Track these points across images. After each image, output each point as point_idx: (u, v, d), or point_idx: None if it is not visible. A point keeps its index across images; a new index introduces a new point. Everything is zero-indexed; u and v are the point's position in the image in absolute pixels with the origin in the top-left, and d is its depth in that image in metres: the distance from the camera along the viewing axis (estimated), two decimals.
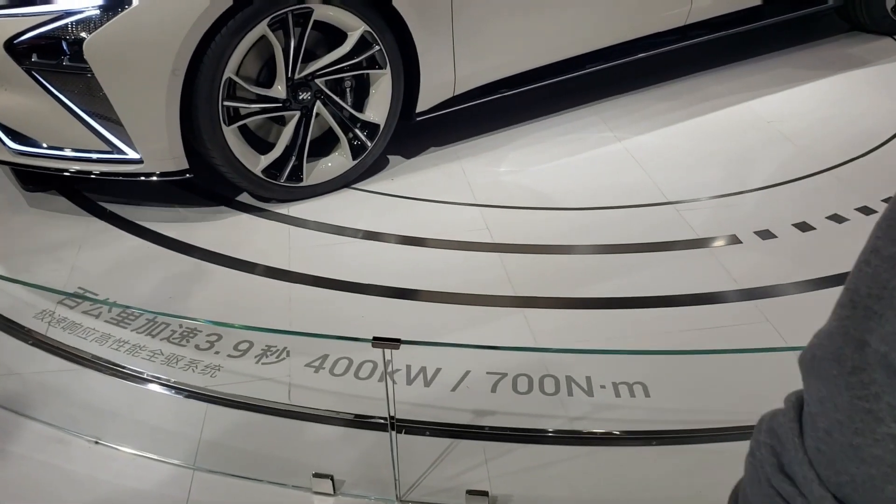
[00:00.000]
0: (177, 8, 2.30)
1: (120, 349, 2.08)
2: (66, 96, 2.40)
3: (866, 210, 2.58)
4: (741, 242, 2.46)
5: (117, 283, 2.34)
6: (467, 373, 1.96)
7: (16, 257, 2.49)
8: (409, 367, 1.98)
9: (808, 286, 2.23)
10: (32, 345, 2.11)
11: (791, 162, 2.94)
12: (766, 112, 3.29)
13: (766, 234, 2.49)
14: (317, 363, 2.01)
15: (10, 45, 2.34)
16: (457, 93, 2.95)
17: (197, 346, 2.08)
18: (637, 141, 3.09)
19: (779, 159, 2.96)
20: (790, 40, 3.89)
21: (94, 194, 2.78)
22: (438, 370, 1.97)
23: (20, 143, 2.53)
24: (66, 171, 2.54)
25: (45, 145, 2.52)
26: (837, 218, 2.56)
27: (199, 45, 2.36)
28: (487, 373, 1.95)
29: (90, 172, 2.53)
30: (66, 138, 2.48)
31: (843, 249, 2.37)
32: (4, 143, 2.54)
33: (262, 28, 2.45)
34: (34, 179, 2.79)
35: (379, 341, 1.57)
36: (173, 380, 1.97)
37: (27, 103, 2.43)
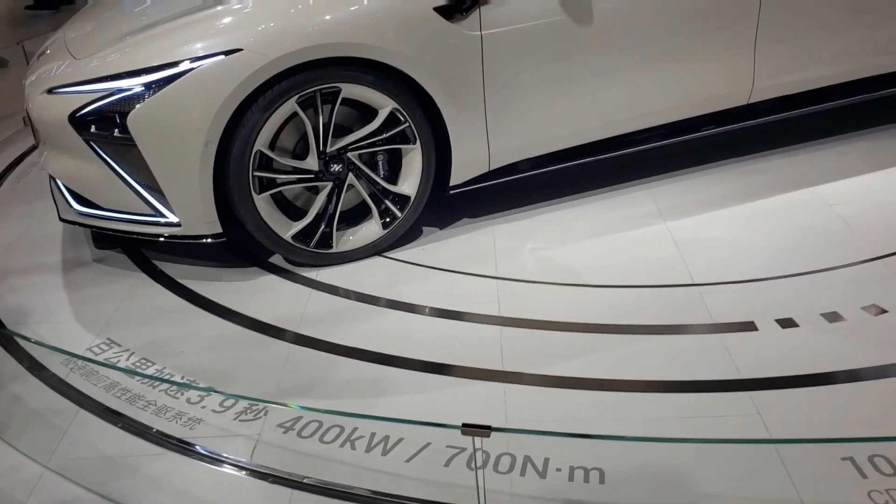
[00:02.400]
0: (211, 86, 2.52)
1: (121, 397, 2.23)
2: (116, 164, 2.66)
3: None
4: (757, 330, 2.31)
5: (141, 336, 2.53)
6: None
7: (65, 306, 2.75)
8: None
9: (812, 381, 2.06)
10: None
11: (843, 247, 2.74)
12: (831, 195, 3.09)
13: (787, 323, 2.33)
14: (288, 424, 2.08)
15: (73, 118, 2.64)
16: (492, 168, 2.99)
17: (188, 400, 2.20)
18: (683, 222, 2.98)
19: (831, 244, 2.77)
20: (878, 119, 3.66)
21: (150, 251, 3.03)
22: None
23: (83, 205, 2.82)
24: (117, 230, 2.80)
25: (102, 207, 2.79)
26: (874, 309, 2.36)
27: (231, 119, 2.56)
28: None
29: (135, 233, 2.77)
30: (119, 202, 2.74)
31: (869, 343, 2.17)
32: (71, 205, 2.85)
33: (291, 105, 2.63)
34: (104, 238, 3.07)
35: (468, 428, 1.56)
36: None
37: (88, 170, 2.72)
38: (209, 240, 2.74)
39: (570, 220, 3.08)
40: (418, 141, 2.82)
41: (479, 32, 2.76)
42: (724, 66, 3.15)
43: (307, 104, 2.67)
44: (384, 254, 2.93)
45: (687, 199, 3.15)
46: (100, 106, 2.60)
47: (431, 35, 2.70)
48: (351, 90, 2.69)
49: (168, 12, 2.88)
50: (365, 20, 2.63)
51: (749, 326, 2.33)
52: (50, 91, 2.73)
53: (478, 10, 2.74)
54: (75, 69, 2.72)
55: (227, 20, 2.69)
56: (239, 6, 2.76)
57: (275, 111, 2.61)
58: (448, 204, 3.09)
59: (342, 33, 2.60)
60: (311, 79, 2.62)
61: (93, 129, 2.64)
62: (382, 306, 2.62)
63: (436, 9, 2.70)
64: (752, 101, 3.28)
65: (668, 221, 2.99)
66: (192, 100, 2.53)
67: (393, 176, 2.89)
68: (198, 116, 2.53)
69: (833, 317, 2.34)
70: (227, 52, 2.52)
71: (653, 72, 3.05)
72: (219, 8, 2.76)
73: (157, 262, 2.97)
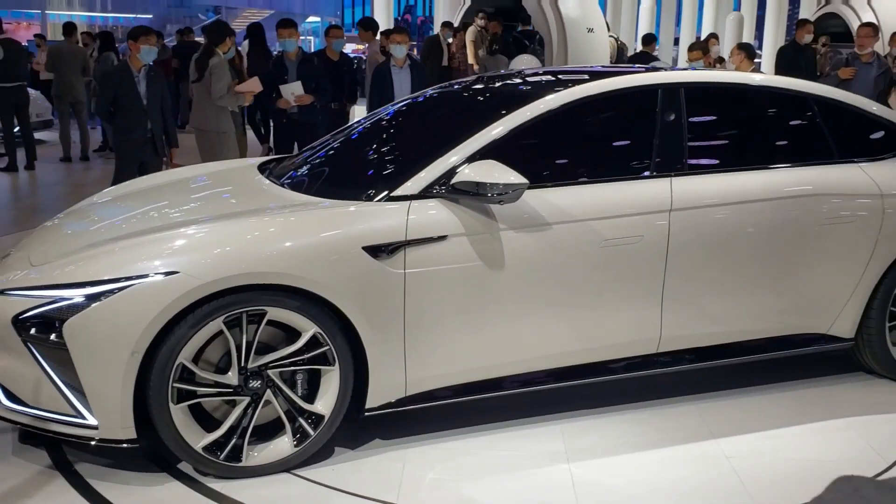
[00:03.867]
0: (144, 303, 2.75)
1: None
2: (48, 365, 2.84)
3: None
4: None
5: None
6: None
7: None
8: None
9: None
10: None
11: (729, 502, 2.84)
12: (730, 447, 3.24)
13: None
14: None
15: (16, 320, 2.85)
16: (408, 394, 3.16)
17: None
18: (587, 466, 3.09)
19: (722, 499, 2.87)
20: (782, 376, 3.87)
21: (71, 449, 3.11)
22: None
23: (12, 402, 2.97)
24: (40, 429, 2.92)
25: (29, 405, 2.93)
26: None
27: (160, 332, 2.77)
28: None
29: (56, 433, 2.89)
30: (45, 401, 2.88)
31: None
32: (1, 400, 2.99)
33: (218, 324, 2.85)
34: (31, 435, 3.16)
35: None
36: None
37: (21, 368, 2.89)
38: (125, 444, 2.86)
39: (480, 451, 3.19)
40: (337, 363, 3.01)
41: (402, 271, 3.04)
42: (633, 316, 3.42)
43: (233, 323, 2.89)
44: (293, 471, 3.02)
45: (594, 441, 3.27)
46: (42, 311, 2.82)
47: (358, 270, 2.98)
48: (276, 313, 2.92)
49: (130, 230, 3.18)
50: (298, 253, 2.92)
51: None
52: (1, 292, 2.97)
53: (403, 250, 3.04)
54: (29, 275, 2.98)
55: (179, 242, 2.96)
56: (194, 230, 3.05)
57: (202, 328, 2.83)
58: (363, 424, 3.22)
59: (274, 264, 2.88)
60: (240, 301, 2.86)
61: (32, 331, 2.84)
62: None
63: (364, 247, 3.00)
64: (661, 349, 3.52)
65: (572, 463, 3.10)
66: (124, 313, 2.75)
67: (311, 393, 3.05)
68: (128, 329, 2.74)
69: None
70: (164, 274, 2.78)
71: (564, 316, 3.30)
72: (180, 230, 3.04)
73: (72, 459, 3.06)
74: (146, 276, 2.78)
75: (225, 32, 6.50)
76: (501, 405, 3.44)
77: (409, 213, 3.08)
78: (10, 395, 2.97)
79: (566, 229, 3.26)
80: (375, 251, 3.01)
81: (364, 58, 11.16)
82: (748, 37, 19.76)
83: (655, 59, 8.78)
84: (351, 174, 3.65)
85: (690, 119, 3.57)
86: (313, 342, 2.98)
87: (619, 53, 11.32)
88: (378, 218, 3.06)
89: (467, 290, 3.14)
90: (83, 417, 2.84)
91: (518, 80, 4.00)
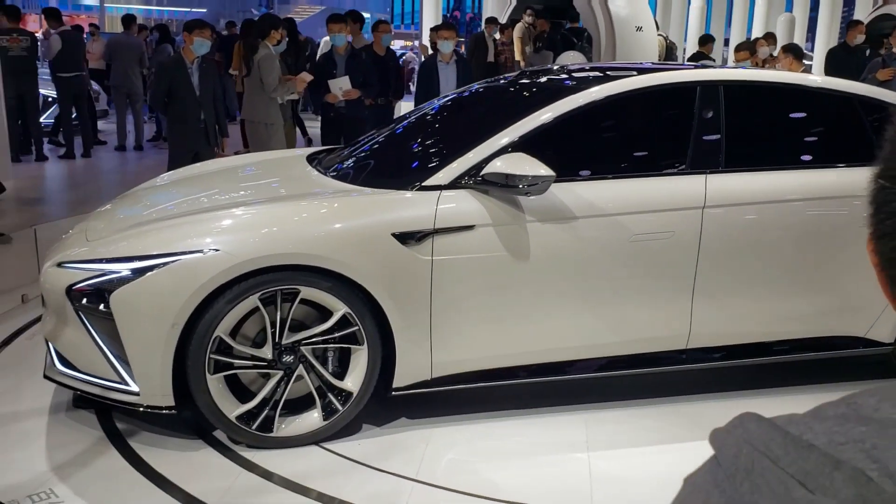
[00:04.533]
0: (185, 278, 2.93)
1: None
2: (96, 333, 3.04)
3: None
4: None
5: (77, 488, 2.77)
6: None
7: (23, 452, 3.02)
8: None
9: None
10: None
11: None
12: None
13: None
14: None
15: (70, 290, 3.06)
16: (434, 377, 3.27)
17: None
18: (607, 457, 3.15)
19: None
20: (834, 376, 3.83)
21: (119, 413, 3.31)
22: None
23: (65, 366, 3.18)
24: (88, 393, 3.12)
25: (79, 370, 3.14)
26: None
27: (199, 306, 2.94)
28: None
29: (104, 398, 3.09)
30: (93, 367, 3.09)
31: None
32: (55, 365, 3.21)
33: (254, 300, 3.01)
34: (83, 399, 3.38)
35: None
36: None
37: (73, 335, 3.11)
38: (164, 411, 3.04)
39: (502, 435, 3.28)
40: (366, 343, 3.14)
41: (430, 258, 3.15)
42: (661, 311, 3.45)
43: (269, 300, 3.05)
44: (321, 443, 3.16)
45: (617, 433, 3.32)
46: (92, 283, 3.02)
47: (387, 256, 3.10)
48: (309, 293, 3.06)
49: (184, 209, 3.37)
50: (331, 237, 3.06)
51: None
52: (59, 265, 3.18)
53: (431, 238, 3.15)
54: (84, 249, 3.18)
55: (221, 223, 3.13)
56: (237, 212, 3.22)
57: (238, 304, 2.99)
58: (391, 403, 3.34)
59: (307, 246, 3.02)
60: (275, 279, 3.01)
61: (84, 301, 3.05)
62: (298, 493, 2.82)
63: (393, 234, 3.12)
64: (690, 346, 3.54)
65: (592, 453, 3.16)
66: (166, 287, 2.93)
67: (341, 371, 3.19)
68: (169, 302, 2.92)
69: None
70: (204, 251, 2.95)
71: (589, 308, 3.36)
72: (222, 211, 3.21)
73: (117, 422, 3.26)
74: (188, 252, 2.95)
75: (269, 26, 6.63)
76: (528, 393, 3.52)
77: (438, 202, 3.18)
78: (64, 361, 3.19)
79: (594, 223, 3.32)
80: (404, 238, 3.12)
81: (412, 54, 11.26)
82: (800, 38, 19.27)
83: (708, 58, 8.70)
84: (390, 165, 3.77)
85: (728, 116, 3.58)
86: (344, 322, 3.11)
87: (669, 52, 11.23)
88: (408, 207, 3.17)
89: (493, 278, 3.23)
90: (126, 384, 3.03)
91: (558, 76, 4.06)
